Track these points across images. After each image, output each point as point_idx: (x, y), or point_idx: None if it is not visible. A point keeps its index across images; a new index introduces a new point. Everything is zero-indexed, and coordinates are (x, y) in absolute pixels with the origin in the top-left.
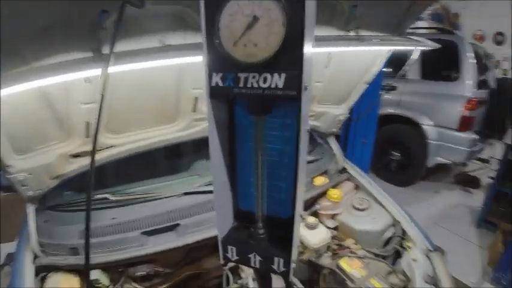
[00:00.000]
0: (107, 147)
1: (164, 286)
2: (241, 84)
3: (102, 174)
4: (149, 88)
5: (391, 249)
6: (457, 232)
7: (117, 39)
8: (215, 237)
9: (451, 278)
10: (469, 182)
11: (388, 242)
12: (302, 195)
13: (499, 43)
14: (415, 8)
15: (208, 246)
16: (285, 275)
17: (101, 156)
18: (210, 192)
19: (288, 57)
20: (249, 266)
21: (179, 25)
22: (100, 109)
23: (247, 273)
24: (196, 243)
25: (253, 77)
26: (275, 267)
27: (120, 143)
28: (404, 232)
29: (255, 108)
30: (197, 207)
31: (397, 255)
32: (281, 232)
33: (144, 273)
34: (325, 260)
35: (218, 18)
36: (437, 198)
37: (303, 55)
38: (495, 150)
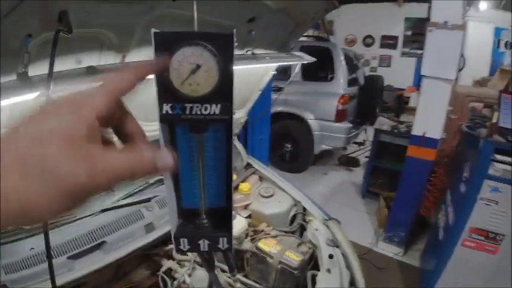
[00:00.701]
0: None
1: None
2: (187, 112)
3: None
4: None
5: (296, 225)
6: (347, 204)
7: (53, 64)
8: (141, 248)
9: (347, 239)
10: (350, 162)
11: (293, 219)
12: (232, 186)
13: (368, 45)
14: (298, 30)
15: (135, 259)
16: (229, 250)
17: None
18: (128, 205)
19: (222, 92)
20: (199, 251)
21: (94, 45)
22: None
23: (182, 272)
24: (125, 256)
25: (197, 107)
26: (220, 246)
27: None
28: (304, 209)
29: (196, 129)
30: (119, 221)
31: (302, 228)
32: (220, 218)
33: None
34: (246, 245)
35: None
36: (326, 179)
37: (232, 90)
38: (368, 134)
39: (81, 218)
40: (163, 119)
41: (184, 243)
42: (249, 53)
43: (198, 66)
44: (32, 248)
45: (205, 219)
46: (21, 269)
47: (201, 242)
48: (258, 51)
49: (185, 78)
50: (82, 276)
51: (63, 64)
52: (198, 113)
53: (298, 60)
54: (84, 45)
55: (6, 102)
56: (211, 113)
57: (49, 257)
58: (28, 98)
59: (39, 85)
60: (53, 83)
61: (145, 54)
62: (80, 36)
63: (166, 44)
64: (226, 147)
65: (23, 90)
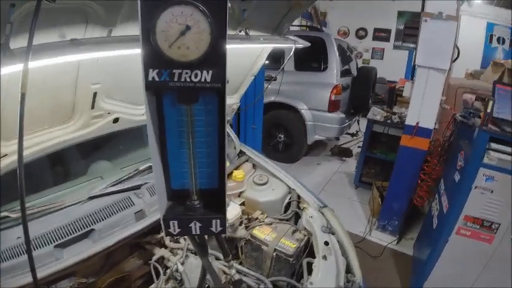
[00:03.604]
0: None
1: None
2: (175, 79)
3: None
4: (43, 85)
5: (291, 212)
6: (340, 194)
7: (33, 33)
8: (131, 236)
9: (342, 226)
10: (342, 153)
11: (287, 207)
12: (225, 165)
13: (360, 37)
14: (292, 13)
15: (126, 248)
16: (222, 233)
17: None
18: (117, 192)
19: (213, 57)
20: (190, 235)
21: (80, 18)
22: (21, 109)
23: (174, 260)
24: (114, 245)
25: (186, 73)
26: (213, 229)
27: (13, 151)
28: (299, 196)
29: (186, 99)
30: (107, 209)
31: (297, 216)
32: (212, 200)
33: None
34: (240, 232)
35: (155, 23)
36: (319, 169)
37: (225, 56)
38: (361, 125)
39: (69, 205)
40: (149, 86)
41: (174, 226)
42: (242, 32)
43: (188, 28)
44: (18, 237)
45: (197, 200)
46: (7, 259)
47: (192, 224)
48: (251, 33)
49: (173, 40)
50: (70, 265)
51: (46, 37)
52: (188, 80)
53: (293, 44)
54: (69, 18)
55: None
56: (202, 80)
57: (29, 250)
58: (8, 70)
59: (19, 57)
60: (33, 55)
61: (132, 29)
62: (65, 7)
63: (153, 3)
64: (219, 122)
65: (3, 62)
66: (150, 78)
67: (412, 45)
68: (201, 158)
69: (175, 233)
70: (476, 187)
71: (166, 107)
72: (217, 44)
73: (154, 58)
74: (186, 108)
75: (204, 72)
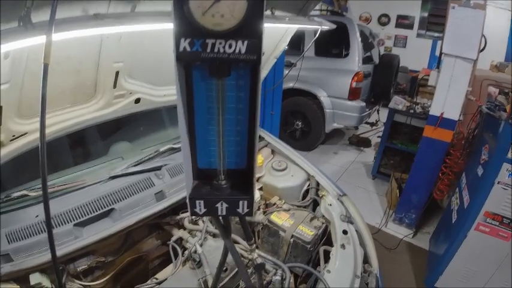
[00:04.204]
0: (20, 135)
1: (108, 276)
2: (208, 50)
3: (15, 167)
4: (65, 63)
5: (309, 200)
6: (357, 184)
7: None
8: (151, 216)
9: (361, 216)
10: (361, 142)
11: (306, 194)
12: (257, 143)
13: (383, 24)
14: None
15: (145, 228)
16: (249, 214)
17: (14, 146)
18: (138, 173)
19: (249, 27)
20: (216, 215)
21: None
22: (44, 81)
23: (193, 242)
24: (134, 225)
25: (220, 43)
26: (240, 210)
27: (33, 129)
28: (318, 184)
29: (218, 71)
30: (128, 189)
31: (315, 203)
32: (240, 180)
33: (86, 266)
34: (258, 217)
35: None
36: (336, 158)
37: (262, 26)
38: (381, 115)
39: (90, 184)
40: (180, 57)
41: (200, 206)
42: (268, 11)
43: None
44: (37, 216)
45: (224, 180)
46: (25, 237)
47: (218, 205)
48: (276, 13)
49: (207, 7)
50: (89, 244)
51: (68, 12)
52: (221, 51)
53: (318, 25)
54: None
55: (7, 47)
56: (236, 51)
57: (49, 226)
58: (30, 42)
59: (40, 30)
60: (56, 28)
61: (156, 4)
62: None
63: None
64: (251, 99)
65: (24, 34)
66: (181, 49)
67: (436, 34)
68: (230, 137)
69: (201, 213)
70: (498, 182)
71: (196, 81)
72: (253, 12)
73: (187, 27)
74: (217, 82)
75: (239, 42)
